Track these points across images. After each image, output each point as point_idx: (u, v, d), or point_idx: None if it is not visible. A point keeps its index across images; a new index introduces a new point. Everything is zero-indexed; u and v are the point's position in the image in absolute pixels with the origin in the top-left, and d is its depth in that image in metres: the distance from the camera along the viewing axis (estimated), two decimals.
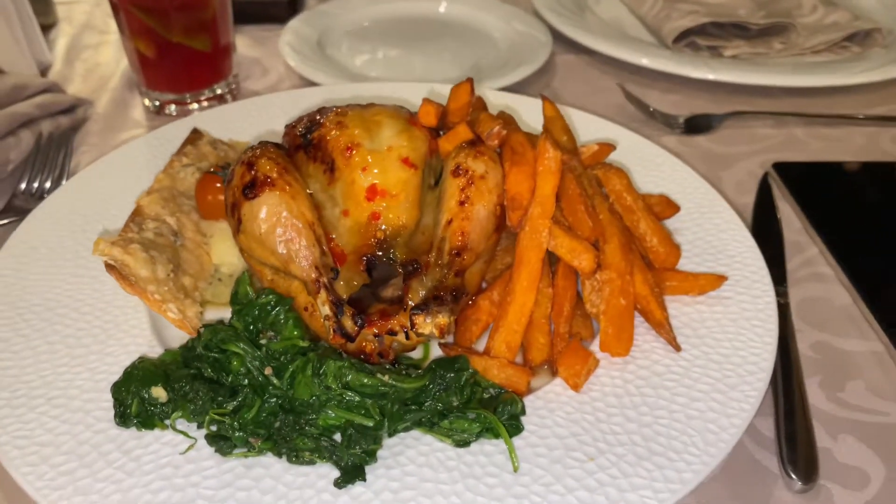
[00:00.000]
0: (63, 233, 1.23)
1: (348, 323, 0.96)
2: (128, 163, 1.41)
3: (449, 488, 0.88)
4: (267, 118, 1.56)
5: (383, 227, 1.02)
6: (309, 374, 0.93)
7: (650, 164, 1.44)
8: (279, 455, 0.91)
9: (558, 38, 2.04)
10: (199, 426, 0.94)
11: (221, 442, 0.91)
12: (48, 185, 1.49)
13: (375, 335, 0.99)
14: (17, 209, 1.41)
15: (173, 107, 1.78)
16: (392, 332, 0.98)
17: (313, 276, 0.98)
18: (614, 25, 2.15)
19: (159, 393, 0.94)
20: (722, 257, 1.23)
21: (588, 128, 1.53)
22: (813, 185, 1.55)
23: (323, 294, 0.97)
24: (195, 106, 1.77)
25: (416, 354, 1.09)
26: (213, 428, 0.93)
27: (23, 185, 1.48)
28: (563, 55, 2.06)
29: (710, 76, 1.85)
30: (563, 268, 1.10)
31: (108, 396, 0.96)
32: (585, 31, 2.00)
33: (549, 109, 1.27)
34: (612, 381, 1.02)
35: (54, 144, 1.60)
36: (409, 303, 0.99)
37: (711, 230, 1.28)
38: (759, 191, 1.54)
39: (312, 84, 1.82)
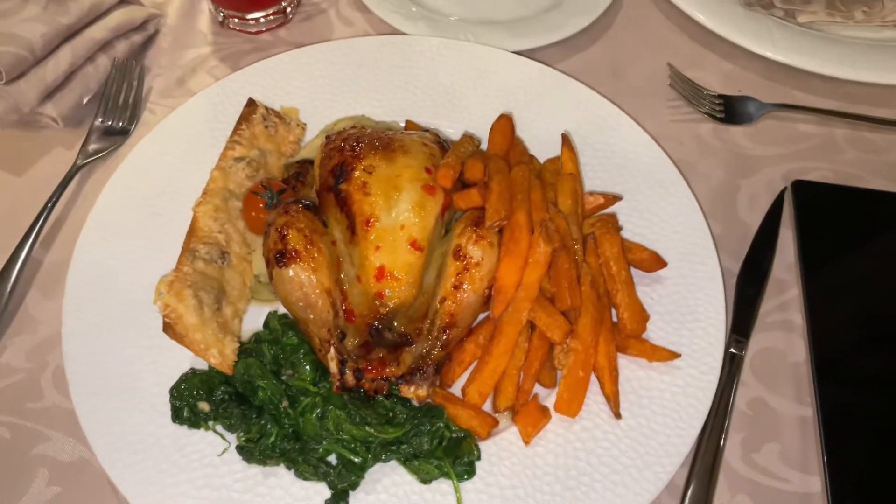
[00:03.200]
0: (132, 214, 1.45)
1: (349, 378, 1.21)
2: (190, 124, 1.57)
3: None
4: (319, 71, 1.66)
5: (387, 304, 1.23)
6: (314, 416, 1.21)
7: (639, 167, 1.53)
8: (289, 468, 1.22)
9: None
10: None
11: (247, 451, 1.22)
12: (121, 123, 1.67)
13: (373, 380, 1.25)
14: (92, 152, 1.62)
15: (236, 20, 1.86)
16: (374, 381, 1.23)
17: (325, 336, 1.21)
18: None
19: (203, 406, 1.24)
20: (689, 319, 1.39)
21: (597, 111, 1.60)
22: (825, 214, 1.57)
23: (332, 352, 1.21)
24: (256, 15, 1.84)
25: None
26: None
27: (98, 122, 1.66)
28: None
29: (769, 54, 1.81)
30: (541, 332, 1.30)
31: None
32: None
33: (568, 163, 1.37)
34: (555, 439, 1.27)
35: (128, 69, 1.74)
36: (399, 368, 1.22)
37: (691, 284, 1.42)
38: (770, 213, 1.61)
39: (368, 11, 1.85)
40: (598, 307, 1.30)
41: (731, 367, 1.40)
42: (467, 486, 1.23)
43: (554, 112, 1.61)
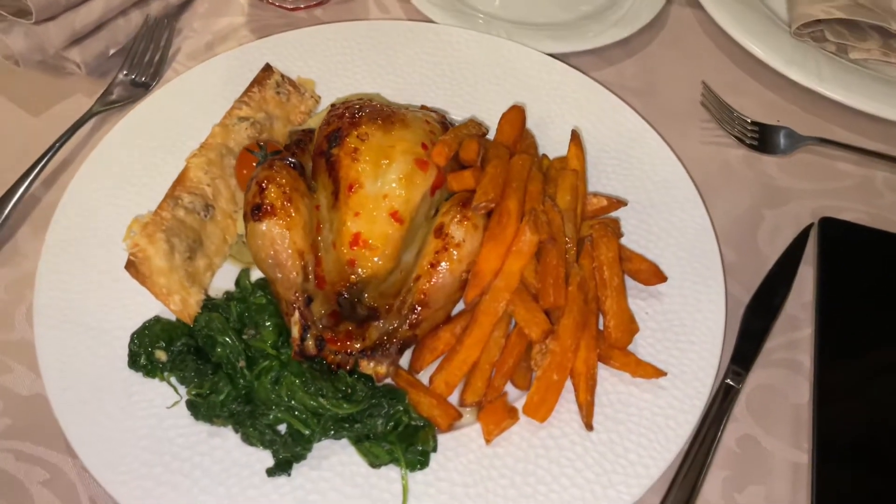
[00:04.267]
0: (129, 161, 1.44)
1: (310, 345, 1.16)
2: (206, 83, 1.57)
3: (349, 502, 1.13)
4: (341, 48, 1.65)
5: (358, 272, 1.18)
6: (269, 379, 1.16)
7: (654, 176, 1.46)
8: (236, 431, 1.17)
9: None
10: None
11: (195, 407, 1.18)
12: (144, 78, 1.68)
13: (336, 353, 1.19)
14: (111, 101, 1.63)
15: None
16: (336, 353, 1.17)
17: (290, 298, 1.17)
18: None
19: (161, 355, 1.20)
20: (682, 340, 1.30)
21: (619, 118, 1.55)
22: (851, 256, 1.49)
23: (295, 316, 1.16)
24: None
25: None
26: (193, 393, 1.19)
27: (121, 75, 1.67)
28: (681, 7, 1.93)
29: (815, 86, 1.72)
30: (520, 329, 1.23)
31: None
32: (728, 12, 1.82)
33: (574, 160, 1.31)
34: (519, 442, 1.19)
35: (158, 28, 1.75)
36: (364, 343, 1.17)
37: (691, 305, 1.34)
38: (792, 246, 1.51)
39: None
40: (584, 311, 1.22)
41: (725, 399, 1.31)
42: (417, 477, 1.16)
43: (574, 114, 1.56)
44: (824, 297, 1.43)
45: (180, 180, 1.30)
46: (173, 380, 1.21)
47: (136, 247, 1.15)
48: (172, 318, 1.24)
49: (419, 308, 1.16)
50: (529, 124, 1.47)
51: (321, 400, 1.14)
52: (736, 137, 1.68)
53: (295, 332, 1.16)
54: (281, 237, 1.15)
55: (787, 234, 1.54)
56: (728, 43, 1.84)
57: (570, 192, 1.28)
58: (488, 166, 1.23)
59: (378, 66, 1.63)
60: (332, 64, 1.63)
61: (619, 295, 1.25)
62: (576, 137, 1.36)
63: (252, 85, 1.50)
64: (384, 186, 1.19)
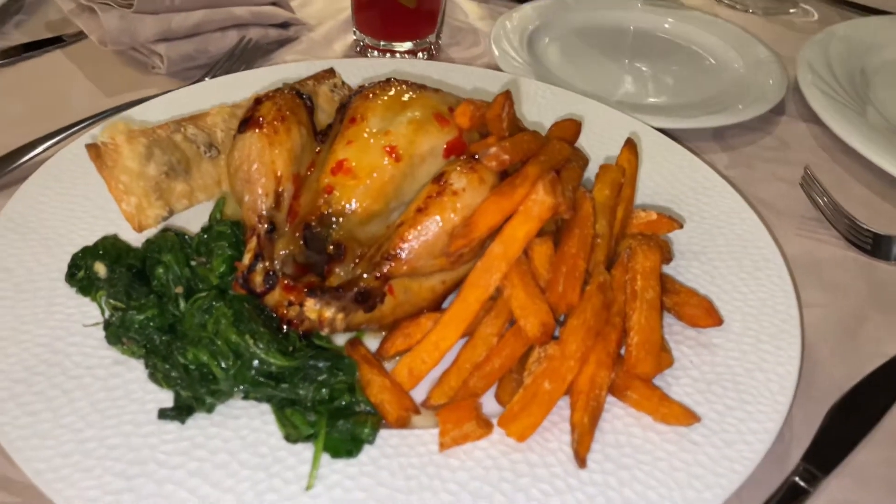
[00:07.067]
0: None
1: (257, 278, 0.96)
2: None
3: (245, 472, 0.85)
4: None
5: (334, 203, 0.99)
6: (198, 306, 0.95)
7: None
8: (146, 367, 0.96)
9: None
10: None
11: (110, 327, 0.98)
12: None
13: (290, 303, 0.98)
14: None
15: (376, 52, 1.87)
16: (290, 304, 0.96)
17: (253, 221, 0.99)
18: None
19: (100, 268, 1.04)
20: (733, 396, 0.98)
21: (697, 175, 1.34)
22: None
23: (252, 242, 0.98)
24: (391, 55, 1.84)
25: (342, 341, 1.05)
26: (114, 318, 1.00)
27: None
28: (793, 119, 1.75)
29: None
30: (517, 330, 0.97)
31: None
32: (858, 130, 1.58)
33: (626, 162, 1.11)
34: (482, 459, 0.89)
35: (252, 52, 1.78)
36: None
37: (752, 360, 1.03)
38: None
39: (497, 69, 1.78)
40: (600, 317, 0.95)
41: (791, 502, 0.95)
42: (335, 466, 0.87)
43: (647, 169, 1.36)
44: None
45: (194, 117, 1.21)
46: (104, 302, 1.03)
47: (110, 137, 1.04)
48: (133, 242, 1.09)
49: (392, 256, 0.94)
50: None
51: (248, 339, 0.92)
52: (842, 235, 1.41)
53: (246, 258, 0.97)
54: (259, 152, 1.00)
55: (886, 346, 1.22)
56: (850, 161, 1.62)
57: (609, 186, 1.06)
58: (518, 134, 1.06)
59: None
60: None
61: (652, 311, 0.97)
62: (630, 143, 1.16)
63: (309, 77, 1.44)
64: (389, 125, 1.04)
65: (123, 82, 1.69)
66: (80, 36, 1.79)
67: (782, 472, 0.99)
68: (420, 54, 1.87)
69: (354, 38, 1.90)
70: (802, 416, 1.08)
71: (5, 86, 1.65)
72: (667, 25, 2.02)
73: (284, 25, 1.88)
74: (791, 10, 2.26)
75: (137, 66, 1.73)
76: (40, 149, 1.39)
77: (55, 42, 1.79)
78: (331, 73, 1.47)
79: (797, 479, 0.98)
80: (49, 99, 1.61)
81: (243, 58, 1.77)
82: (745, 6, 2.26)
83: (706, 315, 1.04)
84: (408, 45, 1.85)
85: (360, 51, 1.90)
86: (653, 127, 1.43)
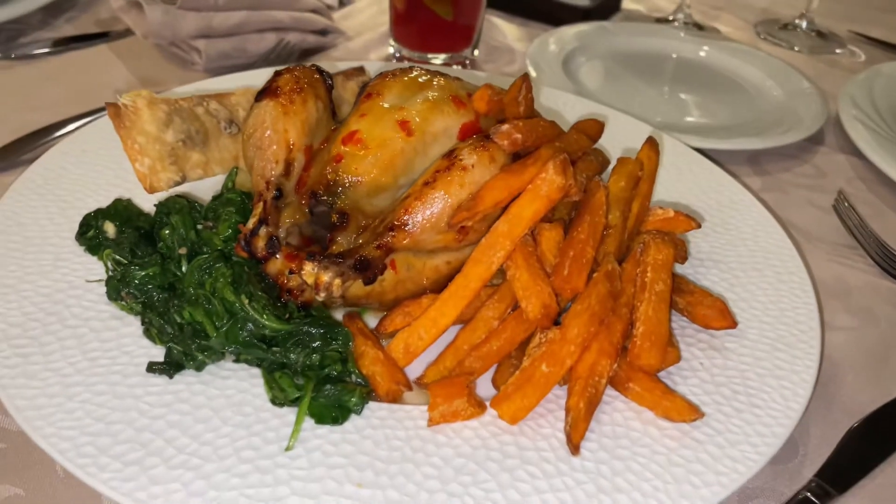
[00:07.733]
0: None
1: (260, 243, 0.95)
2: None
3: (226, 428, 0.83)
4: None
5: (341, 172, 0.98)
6: (200, 267, 0.95)
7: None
8: (143, 323, 0.95)
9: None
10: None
11: (111, 283, 0.98)
12: None
13: (291, 272, 0.97)
14: None
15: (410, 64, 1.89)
16: (291, 272, 0.95)
17: (261, 186, 0.99)
18: None
19: (109, 227, 1.04)
20: (742, 400, 0.93)
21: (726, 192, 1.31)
22: None
23: (258, 207, 0.97)
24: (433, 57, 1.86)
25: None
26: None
27: None
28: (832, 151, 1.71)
29: None
30: (519, 314, 0.94)
31: None
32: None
33: (646, 158, 1.09)
34: (471, 439, 0.86)
35: (288, 55, 1.82)
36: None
37: (765, 367, 0.98)
38: None
39: None
40: (605, 304, 0.92)
41: None
42: (319, 431, 0.85)
43: (674, 180, 1.33)
44: None
45: (219, 95, 1.22)
46: (110, 263, 1.03)
47: (132, 99, 1.05)
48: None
49: (396, 226, 0.93)
50: None
51: (244, 299, 0.91)
52: (879, 265, 1.35)
53: (250, 222, 0.96)
54: (273, 120, 1.00)
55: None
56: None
57: (625, 178, 1.04)
58: (535, 118, 1.04)
59: None
60: None
61: (661, 303, 0.94)
62: (651, 140, 1.13)
63: (339, 73, 1.45)
64: (405, 102, 1.03)
65: (162, 76, 1.73)
66: (126, 33, 1.85)
67: (793, 490, 0.93)
68: (455, 67, 1.88)
69: (391, 49, 1.93)
70: (821, 436, 1.03)
71: (51, 72, 1.71)
72: (705, 55, 2.01)
73: (323, 32, 1.92)
74: (837, 51, 2.23)
75: (177, 62, 1.78)
76: (72, 126, 1.43)
77: (102, 37, 1.85)
78: (360, 70, 1.48)
79: (809, 494, 0.92)
80: (90, 86, 1.66)
81: (279, 60, 1.80)
82: (790, 44, 2.24)
83: (720, 316, 1.00)
84: (443, 58, 1.87)
85: (397, 61, 1.92)
86: (687, 146, 1.42)
